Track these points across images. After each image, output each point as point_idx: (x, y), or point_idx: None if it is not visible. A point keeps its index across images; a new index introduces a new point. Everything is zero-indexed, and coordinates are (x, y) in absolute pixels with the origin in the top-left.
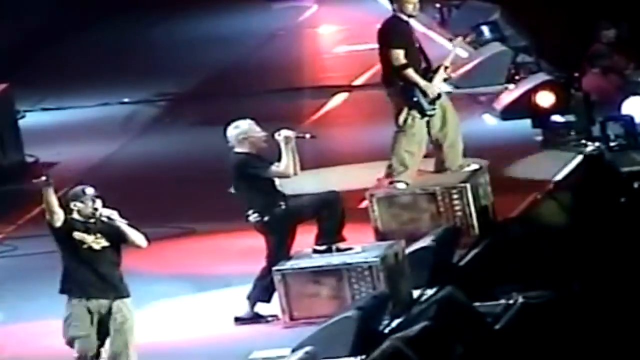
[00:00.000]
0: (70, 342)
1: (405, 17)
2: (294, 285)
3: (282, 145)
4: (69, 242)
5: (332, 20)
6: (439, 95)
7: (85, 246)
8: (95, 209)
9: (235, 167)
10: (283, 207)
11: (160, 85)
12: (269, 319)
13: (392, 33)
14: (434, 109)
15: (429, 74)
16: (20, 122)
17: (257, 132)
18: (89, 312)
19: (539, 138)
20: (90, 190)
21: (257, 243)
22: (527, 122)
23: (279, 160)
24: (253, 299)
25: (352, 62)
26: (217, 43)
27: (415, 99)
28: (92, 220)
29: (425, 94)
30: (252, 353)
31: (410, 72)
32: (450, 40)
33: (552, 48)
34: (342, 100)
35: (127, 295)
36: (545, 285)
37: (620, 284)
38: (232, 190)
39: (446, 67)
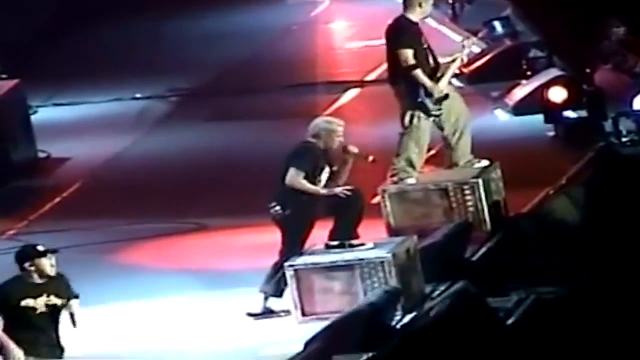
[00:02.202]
0: None
1: (414, 19)
2: (306, 281)
3: (345, 157)
4: (15, 313)
5: (345, 15)
6: (446, 96)
7: (37, 312)
8: (52, 266)
9: (290, 152)
10: (305, 202)
11: (173, 81)
12: (281, 314)
13: (401, 33)
14: (439, 109)
15: (436, 74)
16: (32, 118)
17: (338, 136)
18: None
19: (551, 133)
20: (41, 247)
21: (267, 238)
22: (540, 117)
23: (330, 166)
24: (265, 293)
25: (364, 58)
26: (230, 38)
27: (419, 100)
28: (43, 281)
29: (430, 94)
30: (264, 348)
31: (418, 72)
32: (462, 41)
33: (565, 44)
34: (355, 95)
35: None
36: (557, 281)
37: (633, 279)
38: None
39: (457, 72)
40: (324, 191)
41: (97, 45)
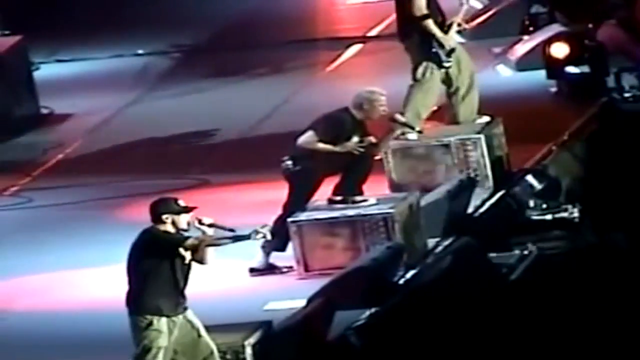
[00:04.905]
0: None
1: None
2: (309, 236)
3: (392, 125)
4: (172, 260)
5: None
6: (454, 49)
7: (186, 261)
8: (199, 220)
9: (321, 116)
10: (317, 160)
11: (175, 37)
12: (284, 269)
13: None
14: (450, 61)
15: (443, 28)
16: (35, 74)
17: (381, 105)
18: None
19: (554, 89)
20: (182, 202)
21: (270, 194)
22: (542, 73)
23: (361, 136)
24: (268, 248)
25: (366, 14)
26: None
27: (433, 50)
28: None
29: (442, 45)
30: (267, 304)
31: (429, 22)
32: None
33: None
34: (356, 51)
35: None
36: (560, 237)
37: (635, 234)
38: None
39: (459, 24)
40: (337, 148)
41: (99, 1)
